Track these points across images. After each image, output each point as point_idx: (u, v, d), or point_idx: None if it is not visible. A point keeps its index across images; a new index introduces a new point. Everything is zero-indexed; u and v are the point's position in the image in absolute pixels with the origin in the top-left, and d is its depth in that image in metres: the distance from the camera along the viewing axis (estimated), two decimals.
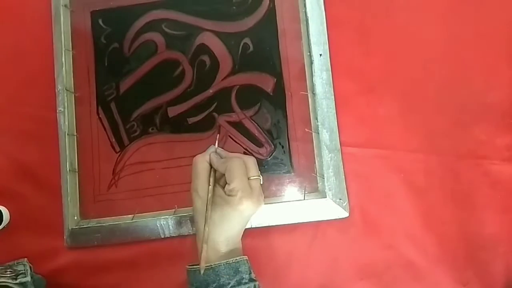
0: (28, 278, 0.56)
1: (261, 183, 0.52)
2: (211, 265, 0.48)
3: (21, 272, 0.56)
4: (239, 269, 0.48)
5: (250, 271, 0.49)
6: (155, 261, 0.62)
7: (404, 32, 0.62)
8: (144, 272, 0.62)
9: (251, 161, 0.51)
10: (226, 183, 0.50)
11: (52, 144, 0.64)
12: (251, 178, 0.50)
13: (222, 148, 0.55)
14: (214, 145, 0.53)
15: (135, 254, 0.62)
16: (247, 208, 0.48)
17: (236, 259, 0.49)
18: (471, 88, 0.61)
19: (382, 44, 0.62)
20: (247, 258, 0.50)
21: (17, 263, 0.58)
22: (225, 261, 0.48)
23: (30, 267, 0.59)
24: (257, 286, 0.48)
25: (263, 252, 0.61)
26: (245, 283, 0.48)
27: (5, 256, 0.61)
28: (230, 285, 0.47)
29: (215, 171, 0.51)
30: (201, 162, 0.51)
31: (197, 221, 0.50)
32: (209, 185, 0.50)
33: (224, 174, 0.50)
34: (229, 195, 0.49)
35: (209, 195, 0.50)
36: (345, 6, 0.63)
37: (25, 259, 0.59)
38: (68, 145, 0.63)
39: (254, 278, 0.49)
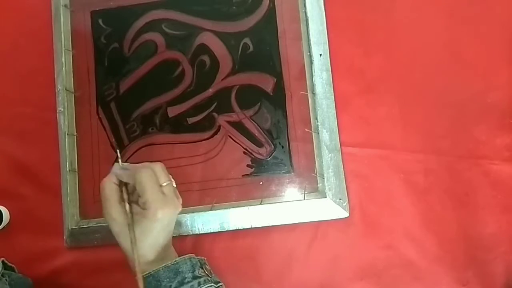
0: None
1: (174, 185, 0.50)
2: (150, 272, 0.47)
3: None
4: (179, 270, 0.47)
5: (193, 269, 0.48)
6: None
7: (404, 32, 0.62)
8: None
9: (158, 168, 0.49)
10: (139, 196, 0.48)
11: (52, 144, 0.64)
12: (163, 185, 0.48)
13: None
14: (118, 162, 0.50)
15: None
16: (165, 217, 0.47)
17: (176, 261, 0.48)
18: (471, 88, 0.61)
19: (382, 44, 0.62)
20: (192, 257, 0.49)
21: None
22: (164, 265, 0.47)
23: (8, 267, 0.57)
24: (202, 282, 0.47)
25: (263, 252, 0.61)
26: (188, 282, 0.47)
27: (5, 256, 0.61)
28: (172, 287, 0.46)
29: (127, 189, 0.49)
30: (108, 184, 0.49)
31: (121, 244, 0.49)
32: (125, 204, 0.48)
33: (135, 188, 0.49)
34: (143, 208, 0.47)
35: (129, 215, 0.48)
36: (345, 6, 0.63)
37: (2, 259, 0.57)
38: (68, 145, 0.63)
39: (199, 275, 0.48)
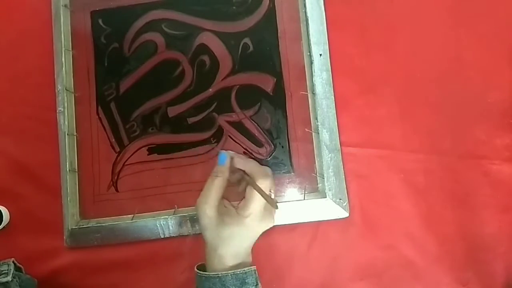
0: (9, 278, 0.55)
1: (276, 204, 0.51)
2: (218, 274, 0.48)
3: (3, 272, 0.55)
4: (246, 281, 0.48)
5: (257, 282, 0.49)
6: (155, 261, 0.62)
7: (404, 32, 0.62)
8: (144, 272, 0.62)
9: (273, 182, 0.51)
10: (244, 198, 0.50)
11: (52, 144, 0.64)
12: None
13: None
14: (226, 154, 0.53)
15: (135, 254, 0.62)
16: (259, 229, 0.49)
17: (244, 270, 0.48)
18: (471, 88, 0.61)
19: (382, 44, 0.62)
20: (255, 269, 0.50)
21: (2, 263, 0.57)
22: (233, 271, 0.48)
23: (17, 267, 0.58)
24: None
25: (263, 252, 0.61)
26: None
27: (5, 256, 0.61)
28: None
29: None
30: (219, 179, 0.50)
31: (204, 235, 0.50)
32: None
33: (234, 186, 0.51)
34: (240, 214, 0.49)
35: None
36: (345, 6, 0.63)
37: (12, 259, 0.58)
38: (68, 145, 0.63)
39: None
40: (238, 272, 0.48)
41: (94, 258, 0.62)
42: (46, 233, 0.63)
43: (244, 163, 0.52)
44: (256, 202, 0.49)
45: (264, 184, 0.50)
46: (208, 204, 0.49)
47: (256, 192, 0.49)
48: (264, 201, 0.49)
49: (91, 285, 0.62)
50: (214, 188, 0.50)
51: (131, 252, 0.62)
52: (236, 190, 0.53)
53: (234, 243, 0.49)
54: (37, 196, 0.64)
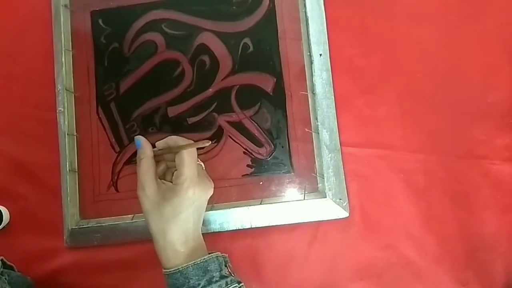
0: None
1: (203, 168, 0.51)
2: (178, 268, 0.47)
3: None
4: (208, 268, 0.47)
5: (220, 268, 0.48)
6: (155, 261, 0.61)
7: (404, 32, 0.62)
8: (144, 272, 0.62)
9: (195, 148, 0.50)
10: (172, 178, 0.50)
11: (52, 144, 0.64)
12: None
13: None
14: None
15: (135, 254, 0.62)
16: (200, 197, 0.48)
17: (204, 259, 0.47)
18: (471, 88, 0.61)
19: (382, 44, 0.62)
20: (218, 255, 0.49)
21: None
22: (193, 262, 0.47)
23: (7, 265, 0.57)
24: (229, 282, 0.47)
25: (263, 252, 0.61)
26: (216, 281, 0.47)
27: (5, 256, 0.61)
28: (201, 285, 0.46)
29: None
30: (145, 159, 0.49)
31: (150, 225, 0.48)
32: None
33: (167, 170, 0.52)
34: (176, 184, 0.48)
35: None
36: (345, 6, 0.63)
37: (1, 257, 0.57)
38: (68, 145, 0.63)
39: (226, 275, 0.48)
40: (199, 261, 0.47)
41: (94, 258, 0.62)
42: (46, 233, 0.63)
43: (166, 141, 0.51)
44: (188, 165, 0.48)
45: (188, 146, 0.49)
46: (145, 190, 0.48)
47: (185, 156, 0.48)
48: (196, 163, 0.48)
49: (91, 285, 0.62)
50: (143, 171, 0.49)
51: (131, 252, 0.62)
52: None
53: (180, 219, 0.47)
54: (37, 196, 0.64)
